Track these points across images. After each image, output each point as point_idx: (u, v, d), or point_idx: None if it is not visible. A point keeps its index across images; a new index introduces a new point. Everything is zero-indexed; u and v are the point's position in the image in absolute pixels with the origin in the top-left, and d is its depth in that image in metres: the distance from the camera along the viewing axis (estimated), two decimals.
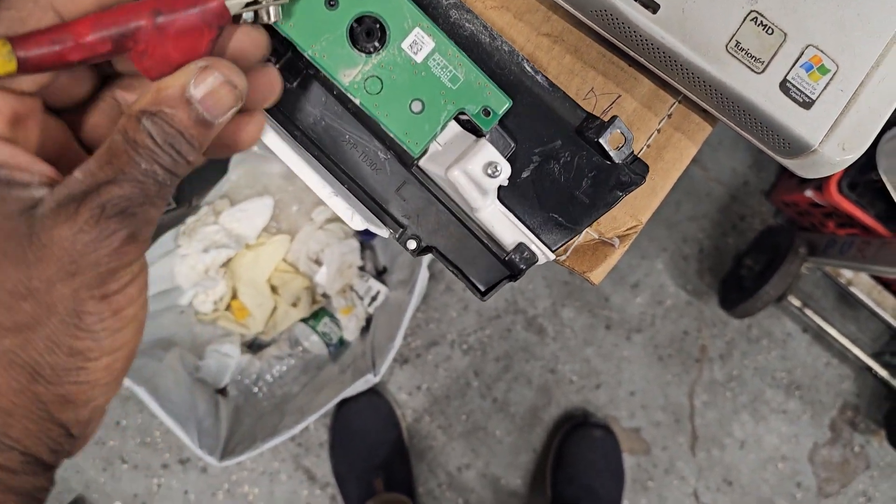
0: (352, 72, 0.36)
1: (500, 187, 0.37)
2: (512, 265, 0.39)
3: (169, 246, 1.18)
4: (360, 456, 1.31)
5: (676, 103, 0.42)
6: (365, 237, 1.31)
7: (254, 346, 1.31)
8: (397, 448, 1.34)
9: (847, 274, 1.33)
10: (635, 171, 0.38)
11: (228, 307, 1.27)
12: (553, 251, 0.39)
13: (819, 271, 1.43)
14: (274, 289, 1.27)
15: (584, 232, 0.42)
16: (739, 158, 1.50)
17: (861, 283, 1.33)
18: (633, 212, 0.42)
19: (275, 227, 1.27)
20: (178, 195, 0.74)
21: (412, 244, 0.39)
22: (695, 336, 1.46)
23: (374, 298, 1.27)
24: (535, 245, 0.39)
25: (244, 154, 1.22)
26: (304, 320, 1.26)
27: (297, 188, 1.27)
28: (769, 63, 0.37)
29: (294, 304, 1.27)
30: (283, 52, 0.37)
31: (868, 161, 1.13)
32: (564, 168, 0.38)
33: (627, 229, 0.42)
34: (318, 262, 1.27)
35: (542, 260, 0.39)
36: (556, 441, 1.38)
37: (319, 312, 1.27)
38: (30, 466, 0.27)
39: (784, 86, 0.37)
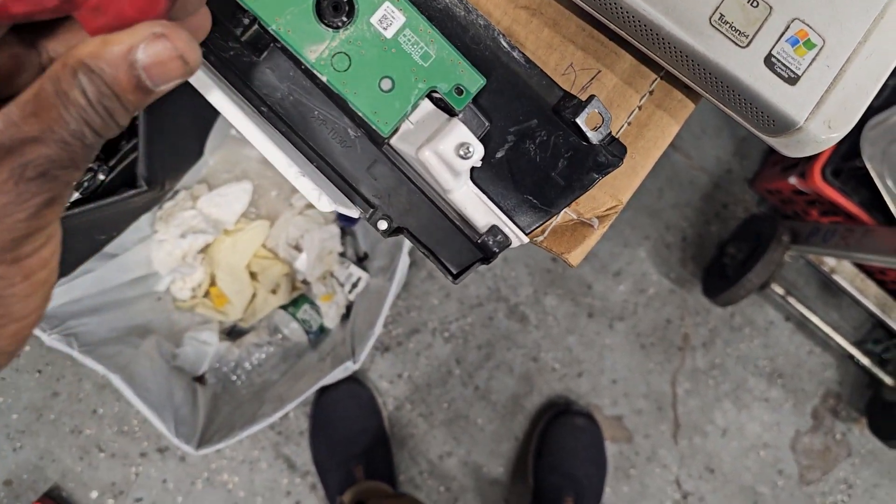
0: (318, 47, 0.35)
1: (473, 168, 0.36)
2: (485, 248, 0.38)
3: (145, 231, 1.15)
4: (340, 444, 1.30)
5: (658, 79, 0.40)
6: (345, 223, 1.29)
7: (233, 334, 1.29)
8: (378, 436, 1.33)
9: (830, 262, 1.33)
10: (612, 153, 0.37)
11: (207, 294, 1.25)
12: (527, 234, 0.38)
13: (802, 259, 1.43)
14: (253, 275, 1.25)
15: (562, 212, 0.41)
16: (723, 146, 1.49)
17: (844, 271, 1.32)
18: (613, 192, 0.41)
19: (254, 212, 1.25)
20: (148, 178, 0.72)
21: (383, 224, 0.38)
22: (677, 324, 1.45)
23: (354, 285, 1.26)
24: (509, 227, 0.38)
25: (222, 139, 1.20)
26: (284, 307, 1.25)
27: (276, 173, 1.25)
28: (754, 37, 0.36)
29: (273, 291, 1.25)
30: (249, 24, 0.35)
31: (852, 148, 1.12)
32: (540, 148, 0.37)
33: (607, 209, 0.41)
34: (298, 249, 1.25)
35: (515, 243, 0.38)
36: (538, 429, 1.37)
37: (299, 299, 1.25)
38: None
39: (769, 61, 0.36)
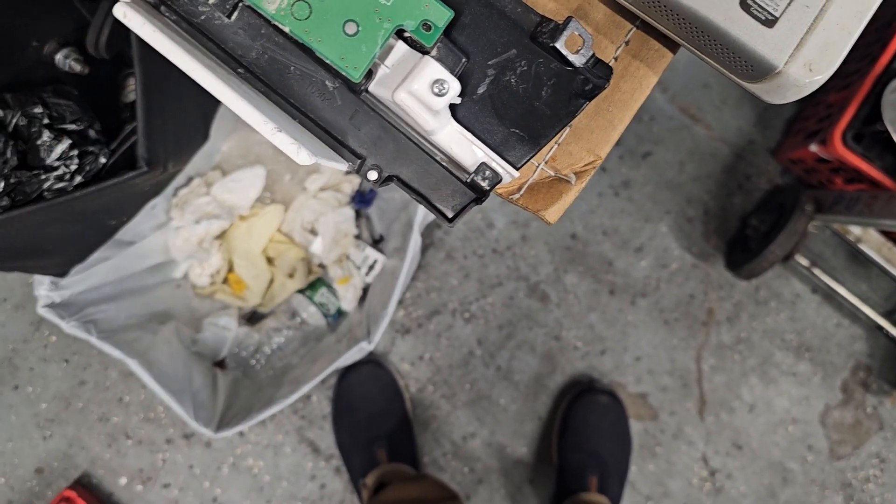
0: None
1: (456, 105, 0.35)
2: (475, 187, 0.37)
3: (161, 218, 1.16)
4: (362, 427, 1.30)
5: (634, 29, 0.39)
6: (359, 205, 1.28)
7: (252, 319, 1.30)
8: (400, 418, 1.33)
9: (856, 231, 1.29)
10: (598, 75, 0.36)
11: (226, 280, 1.26)
12: (517, 168, 0.37)
13: (828, 230, 1.40)
14: (270, 260, 1.26)
15: (539, 168, 0.40)
16: (744, 116, 1.46)
17: (870, 241, 1.29)
18: (590, 146, 0.39)
19: (268, 197, 1.26)
20: (149, 158, 0.72)
21: (373, 175, 0.38)
22: (701, 299, 1.43)
23: (371, 267, 1.26)
24: (497, 163, 0.37)
25: (235, 123, 1.20)
26: (302, 291, 1.25)
27: (290, 158, 1.25)
28: None
29: (290, 275, 1.26)
30: None
31: (873, 112, 1.09)
32: (522, 79, 0.36)
33: (584, 165, 0.39)
34: (314, 232, 1.25)
35: (506, 179, 0.37)
36: (561, 408, 1.36)
37: (316, 283, 1.25)
38: None
39: (744, 3, 0.35)
